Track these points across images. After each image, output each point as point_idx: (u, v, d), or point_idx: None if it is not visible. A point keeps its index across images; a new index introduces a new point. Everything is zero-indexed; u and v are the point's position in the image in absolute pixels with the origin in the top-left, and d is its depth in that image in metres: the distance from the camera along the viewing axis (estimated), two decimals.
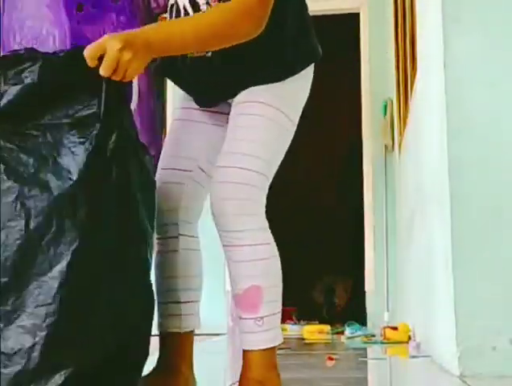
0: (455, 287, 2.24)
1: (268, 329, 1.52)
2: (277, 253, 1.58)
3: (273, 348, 1.53)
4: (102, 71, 1.36)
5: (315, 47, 1.71)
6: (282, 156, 1.65)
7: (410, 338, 4.05)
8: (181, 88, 1.75)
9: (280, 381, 1.55)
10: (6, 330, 1.24)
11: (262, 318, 1.52)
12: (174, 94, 6.14)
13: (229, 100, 1.65)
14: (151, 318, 1.41)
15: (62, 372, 1.23)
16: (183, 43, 1.49)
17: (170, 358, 1.64)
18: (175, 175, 1.66)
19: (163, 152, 1.70)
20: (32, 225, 1.27)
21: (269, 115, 1.59)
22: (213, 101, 1.68)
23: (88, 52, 1.37)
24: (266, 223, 1.58)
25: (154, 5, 3.29)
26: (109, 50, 1.36)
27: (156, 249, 1.67)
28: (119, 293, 1.31)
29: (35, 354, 1.22)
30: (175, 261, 1.65)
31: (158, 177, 1.62)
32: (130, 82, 1.45)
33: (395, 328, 4.21)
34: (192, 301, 1.68)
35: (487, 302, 2.21)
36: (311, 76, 1.72)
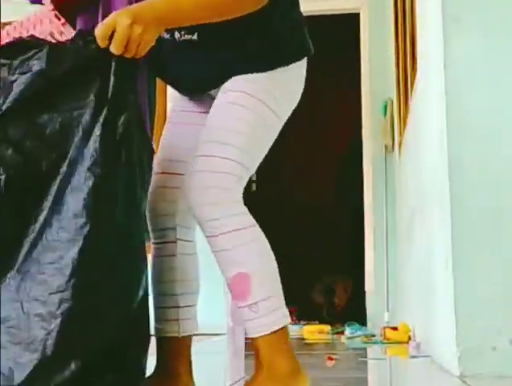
0: (455, 287, 2.24)
1: (266, 313, 1.47)
2: (260, 236, 1.52)
3: (277, 332, 1.46)
4: (114, 49, 1.33)
5: (306, 41, 1.68)
6: (265, 149, 1.61)
7: (410, 338, 4.05)
8: (166, 79, 1.71)
9: (293, 364, 1.49)
10: (21, 320, 1.24)
11: (255, 303, 1.47)
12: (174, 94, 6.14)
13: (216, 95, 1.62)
14: (147, 305, 1.41)
15: (74, 361, 1.24)
16: (191, 13, 1.46)
17: (168, 362, 1.62)
18: (171, 179, 1.64)
19: (157, 156, 1.67)
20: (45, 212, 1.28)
21: (249, 106, 1.55)
22: (198, 89, 1.64)
23: (99, 32, 1.34)
24: (244, 208, 1.52)
25: None
26: (119, 26, 1.33)
27: (153, 253, 1.65)
28: (126, 279, 1.32)
29: (50, 342, 1.23)
30: (172, 266, 1.63)
31: (153, 181, 1.60)
32: (139, 61, 1.42)
33: (395, 328, 4.21)
34: (189, 306, 1.66)
35: (487, 302, 2.21)
36: (303, 74, 1.68)
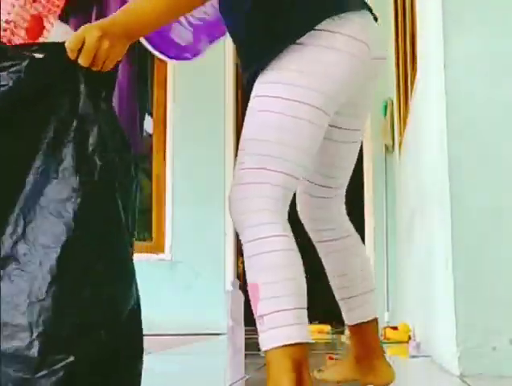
0: (455, 287, 2.24)
1: (270, 328, 1.42)
2: (277, 247, 1.45)
3: (284, 347, 1.40)
4: (81, 61, 1.35)
5: (313, 8, 1.50)
6: (306, 145, 1.49)
7: (410, 338, 4.05)
8: None
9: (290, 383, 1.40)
10: (4, 331, 1.24)
11: (261, 316, 1.43)
12: (174, 94, 6.16)
13: None
14: (139, 317, 1.40)
15: (61, 366, 1.23)
16: (157, 20, 1.50)
17: (360, 347, 1.79)
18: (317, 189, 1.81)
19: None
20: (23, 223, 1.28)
21: (264, 107, 1.48)
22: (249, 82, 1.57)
23: (69, 44, 1.36)
24: (269, 219, 1.47)
25: None
26: (88, 39, 1.35)
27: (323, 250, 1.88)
28: (108, 288, 1.31)
29: (34, 350, 1.23)
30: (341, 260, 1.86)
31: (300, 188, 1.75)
32: (114, 73, 1.44)
33: (395, 328, 4.21)
34: (364, 293, 1.85)
35: (487, 302, 2.21)
36: (336, 38, 1.48)
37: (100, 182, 1.30)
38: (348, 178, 1.86)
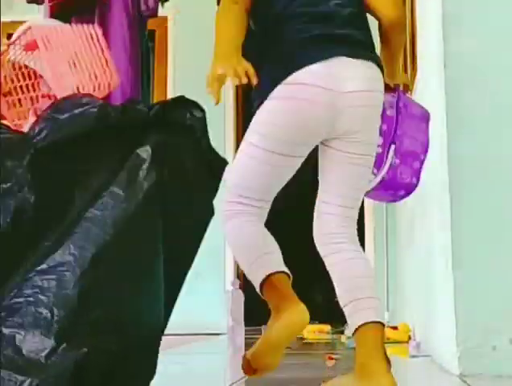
0: (455, 287, 2.24)
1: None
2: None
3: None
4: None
5: (280, 67, 1.89)
6: (257, 180, 1.90)
7: (410, 338, 4.05)
8: None
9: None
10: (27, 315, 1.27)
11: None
12: (174, 94, 6.16)
13: None
14: (158, 334, 1.43)
15: (73, 356, 1.25)
16: None
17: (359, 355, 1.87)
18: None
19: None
20: None
21: (245, 150, 1.92)
22: None
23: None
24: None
25: (143, 7, 3.29)
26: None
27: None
28: (132, 295, 1.34)
29: (51, 336, 1.25)
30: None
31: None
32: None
33: (395, 328, 4.21)
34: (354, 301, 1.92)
35: (487, 302, 2.21)
36: (284, 93, 1.85)
37: (144, 200, 1.41)
38: (349, 200, 1.94)
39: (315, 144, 1.91)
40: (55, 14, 3.38)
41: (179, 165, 1.48)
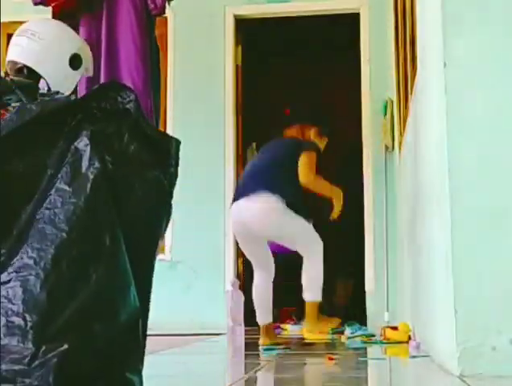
0: (455, 287, 2.24)
1: None
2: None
3: None
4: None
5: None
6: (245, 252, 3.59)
7: (410, 338, 4.05)
8: None
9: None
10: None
11: None
12: (174, 94, 6.16)
13: None
14: (138, 320, 1.42)
15: (54, 354, 1.25)
16: None
17: None
18: None
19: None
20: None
21: None
22: None
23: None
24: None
25: (151, 6, 3.30)
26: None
27: None
28: (101, 287, 1.34)
29: (28, 342, 1.24)
30: None
31: None
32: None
33: (395, 328, 4.21)
34: None
35: (487, 302, 2.21)
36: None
37: (92, 191, 1.39)
38: None
39: None
40: (57, 14, 3.39)
41: (121, 149, 1.46)
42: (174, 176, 1.58)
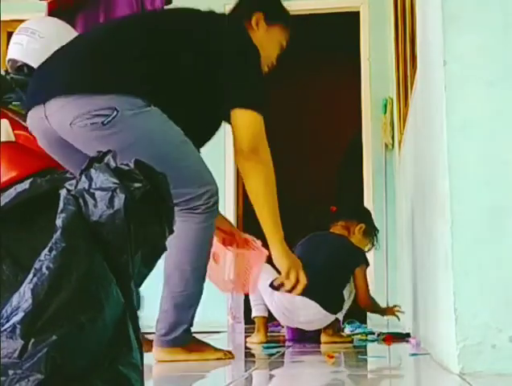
0: (455, 286, 2.24)
1: None
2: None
3: None
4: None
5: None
6: None
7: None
8: None
9: None
10: None
11: None
12: None
13: None
14: (124, 308, 1.43)
15: (43, 346, 1.25)
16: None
17: None
18: None
19: None
20: None
21: None
22: None
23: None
24: None
25: (150, 8, 3.30)
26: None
27: None
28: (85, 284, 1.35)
29: (17, 337, 1.26)
30: None
31: None
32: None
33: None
34: None
35: (487, 300, 2.21)
36: None
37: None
38: None
39: None
40: (54, 10, 3.39)
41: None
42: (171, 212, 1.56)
